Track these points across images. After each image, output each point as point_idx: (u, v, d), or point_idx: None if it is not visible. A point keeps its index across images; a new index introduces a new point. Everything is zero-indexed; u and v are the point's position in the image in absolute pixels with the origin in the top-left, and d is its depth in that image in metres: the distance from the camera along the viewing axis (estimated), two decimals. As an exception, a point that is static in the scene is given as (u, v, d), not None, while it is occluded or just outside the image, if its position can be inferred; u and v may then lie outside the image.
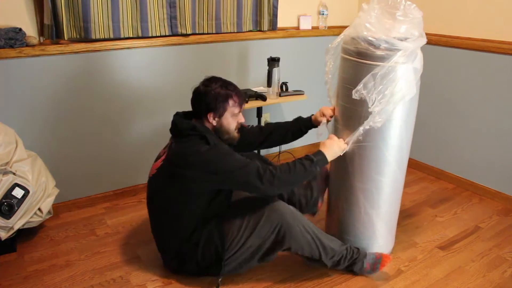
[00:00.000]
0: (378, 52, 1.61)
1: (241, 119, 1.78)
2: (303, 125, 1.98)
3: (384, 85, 1.61)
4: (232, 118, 1.74)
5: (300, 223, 1.70)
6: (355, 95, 1.65)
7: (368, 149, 1.74)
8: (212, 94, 1.68)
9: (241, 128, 1.97)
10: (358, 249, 1.85)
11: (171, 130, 1.77)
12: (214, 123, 1.72)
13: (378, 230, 1.89)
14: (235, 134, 1.78)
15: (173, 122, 1.75)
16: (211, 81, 1.72)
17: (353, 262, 1.82)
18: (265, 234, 1.67)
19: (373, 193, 1.81)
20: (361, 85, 1.63)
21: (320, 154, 1.72)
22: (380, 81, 1.60)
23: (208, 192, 1.70)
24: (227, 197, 1.81)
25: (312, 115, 1.98)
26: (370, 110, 1.63)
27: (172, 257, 1.80)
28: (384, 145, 1.74)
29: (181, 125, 1.70)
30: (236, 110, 1.74)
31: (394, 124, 1.71)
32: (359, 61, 1.67)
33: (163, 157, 1.74)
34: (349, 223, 1.90)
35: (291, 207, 1.74)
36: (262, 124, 2.81)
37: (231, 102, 1.71)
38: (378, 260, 1.82)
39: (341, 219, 1.93)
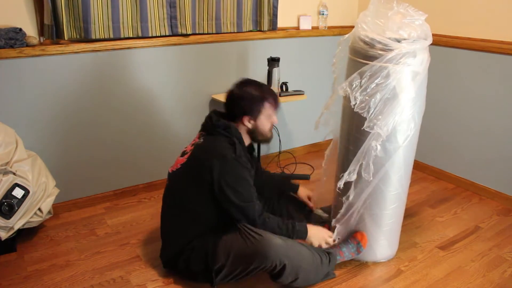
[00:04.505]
0: (371, 52, 1.60)
1: (275, 121, 1.80)
2: (286, 189, 2.12)
3: (371, 84, 1.59)
4: (267, 120, 1.76)
5: (293, 262, 1.62)
6: (340, 91, 1.66)
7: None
8: (247, 97, 1.70)
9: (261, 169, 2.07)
10: (328, 253, 1.80)
11: (204, 125, 1.77)
12: (249, 125, 1.74)
13: (381, 238, 1.89)
14: (269, 134, 1.81)
15: (209, 118, 1.75)
16: (245, 84, 1.74)
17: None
18: (256, 264, 1.60)
19: (377, 199, 1.81)
20: (347, 82, 1.63)
21: (305, 229, 1.75)
22: (368, 80, 1.59)
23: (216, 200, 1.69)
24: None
25: (299, 185, 2.11)
26: (354, 109, 1.62)
27: (168, 250, 1.80)
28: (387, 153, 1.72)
29: (217, 122, 1.71)
30: (271, 111, 1.76)
31: (398, 132, 1.70)
32: (354, 59, 1.67)
33: (188, 154, 1.73)
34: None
35: (287, 244, 1.65)
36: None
37: (266, 104, 1.73)
38: (359, 244, 1.85)
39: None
